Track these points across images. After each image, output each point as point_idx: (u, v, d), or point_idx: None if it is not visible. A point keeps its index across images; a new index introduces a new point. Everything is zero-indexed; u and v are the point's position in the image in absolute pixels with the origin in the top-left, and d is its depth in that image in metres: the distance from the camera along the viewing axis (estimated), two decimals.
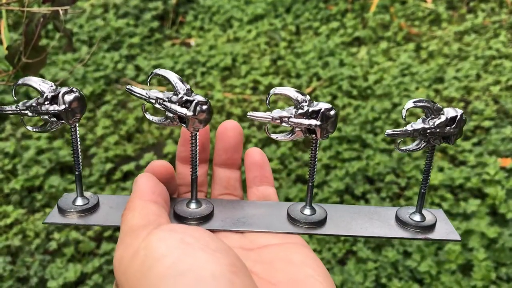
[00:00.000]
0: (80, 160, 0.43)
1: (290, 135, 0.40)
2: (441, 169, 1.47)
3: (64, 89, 0.39)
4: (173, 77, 0.38)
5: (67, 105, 0.38)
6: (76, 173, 0.43)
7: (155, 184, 0.38)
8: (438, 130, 0.39)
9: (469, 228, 1.26)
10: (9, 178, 1.62)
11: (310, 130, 0.39)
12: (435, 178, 1.42)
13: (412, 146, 0.41)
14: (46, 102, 0.39)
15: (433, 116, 0.40)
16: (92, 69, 2.06)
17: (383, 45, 2.08)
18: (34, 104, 0.39)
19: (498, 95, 1.75)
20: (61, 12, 0.65)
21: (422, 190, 0.43)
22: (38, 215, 1.49)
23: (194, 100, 0.37)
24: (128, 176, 1.60)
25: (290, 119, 0.39)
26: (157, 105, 0.38)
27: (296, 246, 0.38)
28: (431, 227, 0.42)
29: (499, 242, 1.22)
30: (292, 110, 0.39)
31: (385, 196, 1.42)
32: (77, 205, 0.42)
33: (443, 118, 0.39)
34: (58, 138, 1.77)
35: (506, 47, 1.98)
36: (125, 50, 2.18)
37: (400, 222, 0.43)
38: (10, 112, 0.39)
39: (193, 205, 0.42)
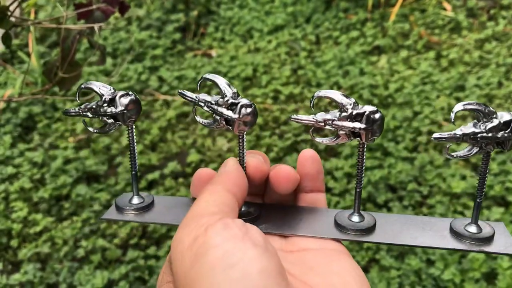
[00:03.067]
0: (136, 160, 0.45)
1: (334, 139, 0.40)
2: (463, 177, 1.47)
3: (120, 92, 0.41)
4: (221, 81, 0.40)
5: (123, 107, 0.41)
6: (133, 172, 0.45)
7: (241, 177, 0.39)
8: (490, 134, 0.36)
9: None
10: (37, 187, 1.67)
11: (354, 133, 0.39)
12: (458, 186, 1.42)
13: (463, 152, 0.38)
14: (104, 105, 0.41)
15: (485, 119, 0.37)
16: (117, 80, 2.10)
17: (403, 53, 2.09)
18: (94, 107, 0.42)
19: None
20: (96, 28, 0.69)
21: (478, 200, 0.40)
22: (66, 223, 1.53)
23: (239, 103, 0.38)
24: (153, 185, 1.63)
25: (334, 122, 0.38)
26: (205, 108, 0.40)
27: (337, 253, 0.39)
28: (488, 239, 0.39)
29: None
30: (336, 113, 0.39)
31: (408, 205, 1.43)
32: (133, 203, 0.44)
33: (495, 122, 0.36)
34: (84, 148, 1.81)
35: None
36: (148, 62, 2.23)
37: (454, 233, 0.40)
38: (74, 113, 0.43)
39: (244, 208, 0.43)
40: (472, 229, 0.40)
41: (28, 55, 2.30)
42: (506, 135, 0.36)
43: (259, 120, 1.83)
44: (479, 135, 0.37)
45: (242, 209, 0.42)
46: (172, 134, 1.83)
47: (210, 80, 0.40)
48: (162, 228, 1.46)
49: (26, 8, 2.42)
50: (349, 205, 1.44)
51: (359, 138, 0.39)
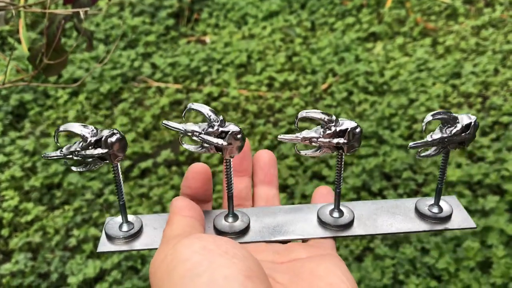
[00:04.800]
0: (123, 192, 0.46)
1: (318, 151, 0.43)
2: (459, 166, 1.46)
3: (105, 133, 0.41)
4: (206, 110, 0.41)
5: (110, 148, 0.41)
6: (120, 203, 0.46)
7: (190, 203, 0.42)
8: (455, 137, 0.43)
9: (488, 224, 1.25)
10: (29, 176, 1.65)
11: (337, 147, 0.43)
12: (453, 174, 1.41)
13: (431, 152, 0.45)
14: (90, 147, 0.41)
15: (449, 125, 0.43)
16: (109, 67, 2.07)
17: (399, 40, 2.07)
18: (78, 149, 0.41)
19: None
20: (81, 13, 0.66)
21: (439, 186, 0.47)
22: (57, 212, 1.51)
23: (228, 131, 0.41)
24: (146, 173, 1.62)
25: (319, 139, 0.42)
26: (194, 138, 0.42)
27: (325, 257, 0.41)
28: (448, 218, 0.47)
29: None
30: (320, 130, 0.42)
31: (402, 193, 1.42)
32: (124, 231, 0.46)
33: (459, 126, 0.43)
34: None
35: None
36: (141, 48, 2.20)
37: (420, 214, 0.47)
38: (55, 157, 0.42)
39: (230, 219, 0.46)
40: (435, 209, 0.47)
41: (19, 41, 2.26)
42: (467, 136, 0.43)
43: (254, 107, 1.81)
44: (446, 139, 0.43)
45: (232, 221, 0.46)
46: None
47: (196, 110, 0.41)
48: None
49: None
50: (343, 193, 1.42)
51: (341, 151, 0.43)
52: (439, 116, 0.43)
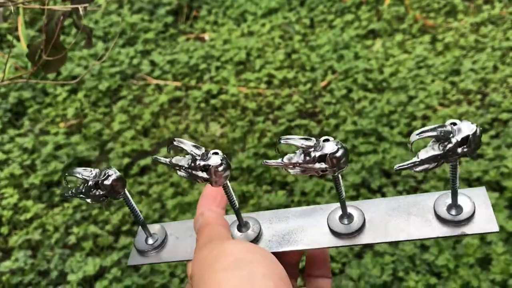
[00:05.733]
0: (140, 214, 0.50)
1: (306, 171, 0.41)
2: (458, 162, 1.46)
3: (101, 176, 0.45)
4: (188, 146, 0.42)
5: (109, 189, 0.45)
6: (140, 223, 0.50)
7: (220, 214, 0.47)
8: (450, 153, 0.37)
9: None
10: (28, 173, 1.65)
11: (322, 170, 0.41)
12: None
13: (426, 166, 0.39)
14: (92, 189, 0.45)
15: (442, 140, 0.37)
16: (108, 64, 2.07)
17: (398, 37, 2.06)
18: (84, 190, 0.46)
19: None
20: (81, 10, 0.66)
21: (453, 186, 0.42)
22: (57, 209, 1.51)
23: (210, 165, 0.41)
24: (145, 170, 1.62)
25: (301, 165, 0.40)
26: (179, 172, 0.44)
27: None
28: (469, 219, 0.41)
29: None
30: (301, 155, 0.40)
31: (402, 190, 1.42)
32: (150, 244, 0.50)
33: (453, 141, 0.36)
34: (76, 134, 1.79)
35: None
36: (140, 46, 2.19)
37: (438, 217, 0.43)
38: (69, 196, 0.47)
39: (243, 229, 0.48)
40: (453, 211, 0.42)
41: (18, 39, 2.26)
42: (466, 150, 0.36)
43: (253, 105, 1.81)
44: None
45: (244, 230, 0.47)
46: (164, 119, 1.81)
47: (178, 146, 0.42)
48: (155, 214, 1.45)
49: None
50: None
51: (327, 173, 0.41)
52: (427, 135, 0.37)
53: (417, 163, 0.38)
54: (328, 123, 1.68)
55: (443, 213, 0.42)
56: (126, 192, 0.47)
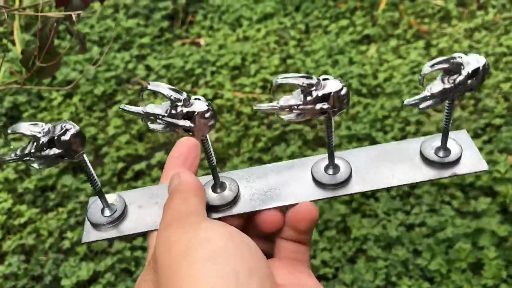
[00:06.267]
0: (97, 180, 0.43)
1: (300, 116, 0.38)
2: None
3: (57, 130, 0.37)
4: (166, 90, 0.36)
5: (67, 146, 0.37)
6: (97, 190, 0.43)
7: (199, 181, 0.40)
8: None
9: (480, 226, 1.26)
10: (22, 178, 1.64)
11: (322, 112, 0.38)
12: None
13: (431, 102, 0.38)
14: (45, 148, 0.37)
15: (452, 72, 0.36)
16: (103, 69, 2.07)
17: (393, 42, 2.08)
18: (33, 151, 0.38)
19: (508, 92, 1.74)
20: (74, 16, 0.67)
21: (445, 126, 0.41)
22: (51, 214, 1.51)
23: (195, 111, 0.36)
24: (139, 175, 1.62)
25: (300, 107, 0.37)
26: (158, 122, 0.37)
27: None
28: (457, 161, 0.41)
29: (509, 240, 1.22)
30: (300, 95, 0.37)
31: (395, 195, 1.42)
32: (108, 216, 0.43)
33: (464, 73, 0.36)
34: None
35: None
36: (136, 50, 2.20)
37: (425, 159, 0.42)
38: (11, 160, 0.39)
39: (218, 189, 0.42)
40: (441, 153, 0.42)
41: (13, 43, 2.26)
42: (474, 82, 0.36)
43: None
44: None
45: (220, 191, 0.42)
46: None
47: (153, 91, 0.37)
48: None
49: None
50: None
51: (326, 114, 0.38)
52: (440, 66, 0.36)
53: (428, 97, 0.37)
54: (322, 128, 1.69)
55: (432, 156, 0.42)
56: (84, 155, 0.40)
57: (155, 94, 0.37)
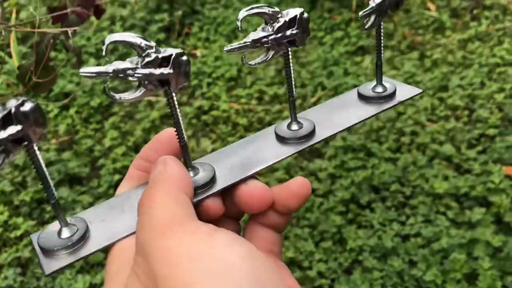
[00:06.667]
0: (52, 187, 0.35)
1: (267, 56, 0.39)
2: (446, 178, 1.48)
3: (12, 103, 0.30)
4: (133, 38, 0.32)
5: (28, 120, 0.30)
6: (52, 201, 0.35)
7: (187, 175, 0.35)
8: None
9: (474, 237, 1.26)
10: (18, 190, 1.65)
11: (290, 41, 0.39)
12: (440, 186, 1.43)
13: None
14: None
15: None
16: (100, 81, 2.08)
17: (387, 53, 2.09)
18: None
19: (502, 102, 1.75)
20: (70, 33, 0.67)
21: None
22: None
23: (171, 54, 0.33)
24: None
25: (271, 37, 0.38)
26: (130, 78, 0.33)
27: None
28: (393, 94, 0.47)
29: (504, 251, 1.23)
30: (267, 27, 0.38)
31: (391, 205, 1.43)
32: (65, 238, 0.35)
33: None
34: (67, 150, 1.79)
35: (510, 55, 1.99)
36: None
37: (363, 98, 0.47)
38: None
39: (191, 173, 0.38)
40: (379, 89, 0.47)
41: (10, 55, 2.27)
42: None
43: (244, 121, 1.83)
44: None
45: (193, 175, 0.38)
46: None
47: (121, 41, 0.32)
48: None
49: (8, 7, 2.39)
50: (332, 206, 1.44)
51: (292, 46, 0.39)
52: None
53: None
54: None
55: (372, 94, 0.46)
56: (35, 146, 0.32)
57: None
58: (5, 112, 0.29)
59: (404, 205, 1.45)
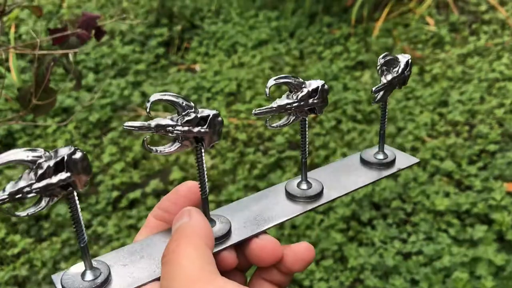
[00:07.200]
0: (84, 231, 0.36)
1: (288, 120, 0.42)
2: (447, 194, 1.47)
3: (65, 151, 0.31)
4: (176, 98, 0.35)
5: (78, 168, 0.32)
6: (81, 245, 0.36)
7: (210, 229, 0.36)
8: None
9: (477, 255, 1.25)
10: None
11: (311, 109, 0.42)
12: (441, 203, 1.42)
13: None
14: (48, 175, 0.31)
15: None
16: (99, 96, 2.08)
17: None
18: (32, 181, 0.31)
19: (502, 118, 1.75)
20: (70, 56, 0.67)
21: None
22: (45, 244, 1.49)
23: (208, 115, 0.36)
24: (134, 204, 1.61)
25: (295, 104, 0.41)
26: (170, 134, 0.36)
27: None
28: (393, 162, 0.49)
29: (507, 269, 1.22)
30: (290, 95, 0.41)
31: (392, 222, 1.42)
32: (90, 280, 0.36)
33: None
34: None
35: (509, 69, 1.99)
36: (131, 77, 2.21)
37: (366, 163, 0.49)
38: (9, 199, 0.31)
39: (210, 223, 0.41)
40: (380, 156, 0.49)
41: (9, 69, 2.26)
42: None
43: (243, 136, 1.82)
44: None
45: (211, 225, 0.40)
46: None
47: (165, 100, 0.35)
48: None
49: (7, 22, 2.39)
50: (333, 223, 1.42)
51: (312, 113, 0.42)
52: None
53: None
54: (317, 155, 1.69)
55: (374, 160, 0.48)
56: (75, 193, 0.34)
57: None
58: (58, 159, 0.31)
59: (405, 222, 1.44)
